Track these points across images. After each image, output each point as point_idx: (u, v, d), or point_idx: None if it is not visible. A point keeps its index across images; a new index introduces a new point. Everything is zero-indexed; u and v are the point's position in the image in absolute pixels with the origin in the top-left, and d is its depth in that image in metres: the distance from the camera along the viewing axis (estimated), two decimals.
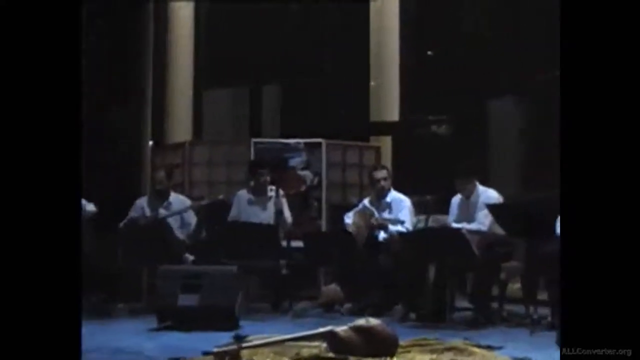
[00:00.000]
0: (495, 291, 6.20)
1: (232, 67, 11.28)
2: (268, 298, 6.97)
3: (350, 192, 8.73)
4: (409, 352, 4.28)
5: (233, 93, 11.78)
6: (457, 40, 10.41)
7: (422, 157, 9.97)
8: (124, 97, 7.82)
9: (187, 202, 7.30)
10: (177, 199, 7.27)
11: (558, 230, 5.63)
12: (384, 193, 6.83)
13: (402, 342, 4.32)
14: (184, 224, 7.13)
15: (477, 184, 6.42)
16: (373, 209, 6.82)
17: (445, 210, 6.80)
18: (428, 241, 6.06)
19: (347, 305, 6.71)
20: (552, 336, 4.57)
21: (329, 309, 6.72)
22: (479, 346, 4.51)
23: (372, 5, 9.94)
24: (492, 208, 6.01)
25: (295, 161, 8.57)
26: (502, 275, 6.14)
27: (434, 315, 5.93)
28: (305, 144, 8.63)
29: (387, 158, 9.27)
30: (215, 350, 4.18)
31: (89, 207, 6.66)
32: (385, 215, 6.76)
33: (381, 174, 6.93)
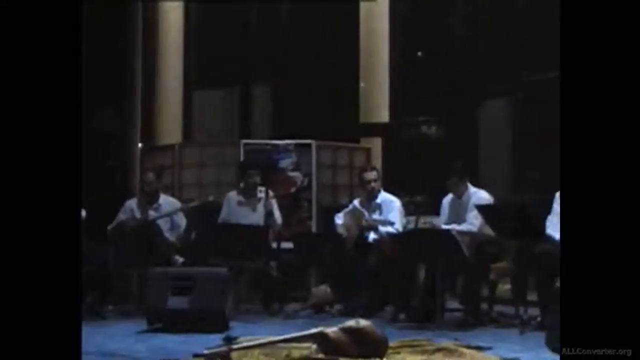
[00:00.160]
0: (485, 292, 6.21)
1: (221, 68, 11.26)
2: (258, 299, 6.97)
3: (340, 193, 8.74)
4: (398, 353, 4.29)
5: (223, 94, 11.76)
6: (446, 42, 10.43)
7: (412, 158, 9.98)
8: (114, 99, 7.81)
9: (177, 204, 7.29)
10: (167, 201, 7.26)
11: (547, 230, 5.67)
12: (374, 194, 6.84)
13: (392, 343, 4.32)
14: (173, 226, 7.12)
15: (469, 184, 6.43)
16: (363, 210, 6.82)
17: (435, 211, 6.81)
18: (418, 242, 6.06)
19: (337, 307, 6.72)
20: (541, 337, 4.58)
21: (319, 310, 6.73)
22: (469, 347, 4.52)
23: (362, 6, 9.95)
24: (481, 209, 6.02)
25: (286, 162, 8.57)
26: (492, 276, 6.16)
27: (424, 316, 5.93)
28: (296, 145, 8.63)
29: (377, 159, 9.28)
30: (206, 352, 4.18)
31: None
32: (376, 216, 6.77)
33: (371, 175, 6.94)
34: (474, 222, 6.18)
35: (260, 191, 7.09)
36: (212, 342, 4.60)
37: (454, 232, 5.92)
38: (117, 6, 7.87)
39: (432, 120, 10.30)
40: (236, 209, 7.18)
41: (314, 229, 8.41)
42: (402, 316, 6.16)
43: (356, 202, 7.01)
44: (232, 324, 5.67)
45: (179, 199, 7.72)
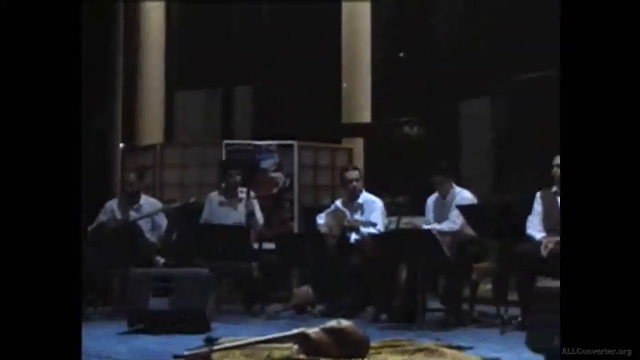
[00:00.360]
0: (466, 292, 6.24)
1: (203, 68, 11.25)
2: (240, 300, 6.95)
3: (322, 193, 8.75)
4: (380, 353, 4.29)
5: (205, 94, 11.74)
6: (428, 42, 10.46)
7: (394, 158, 10.00)
8: (95, 99, 7.76)
9: (158, 204, 7.27)
10: (148, 202, 7.23)
11: (528, 231, 5.70)
12: (355, 194, 6.84)
13: (373, 343, 4.33)
14: (154, 227, 7.09)
15: (454, 184, 6.46)
16: (345, 210, 6.83)
17: (417, 211, 6.83)
18: (399, 242, 6.07)
19: (319, 307, 6.72)
20: (522, 336, 4.59)
21: (301, 310, 6.72)
22: (450, 347, 4.54)
23: (343, 6, 9.96)
24: (462, 209, 6.04)
25: (267, 163, 8.57)
26: (474, 276, 6.18)
27: (406, 316, 5.95)
28: (278, 145, 8.63)
29: (359, 160, 9.29)
30: (186, 353, 4.17)
31: None
32: (357, 216, 6.77)
33: (353, 174, 6.95)
34: (456, 220, 6.19)
35: (242, 192, 7.08)
36: (193, 343, 4.59)
37: (435, 233, 5.94)
38: (98, 6, 7.82)
39: (414, 121, 10.34)
40: (218, 210, 7.16)
41: (295, 230, 8.41)
42: (383, 316, 6.17)
43: (338, 202, 7.01)
44: (213, 324, 5.66)
45: (161, 199, 7.70)
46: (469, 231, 6.09)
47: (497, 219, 5.72)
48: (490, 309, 6.10)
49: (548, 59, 8.99)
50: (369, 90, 9.93)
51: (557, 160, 5.69)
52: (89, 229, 6.92)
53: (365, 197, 6.86)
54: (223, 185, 7.24)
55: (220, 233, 6.73)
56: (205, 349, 4.13)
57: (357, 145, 9.68)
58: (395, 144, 10.30)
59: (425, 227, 6.35)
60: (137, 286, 5.78)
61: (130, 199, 7.14)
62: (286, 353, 4.15)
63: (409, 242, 5.97)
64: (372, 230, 6.55)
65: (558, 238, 5.44)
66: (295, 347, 4.12)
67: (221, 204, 7.18)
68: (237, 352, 4.19)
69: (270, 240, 7.11)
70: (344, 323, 4.14)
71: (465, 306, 6.17)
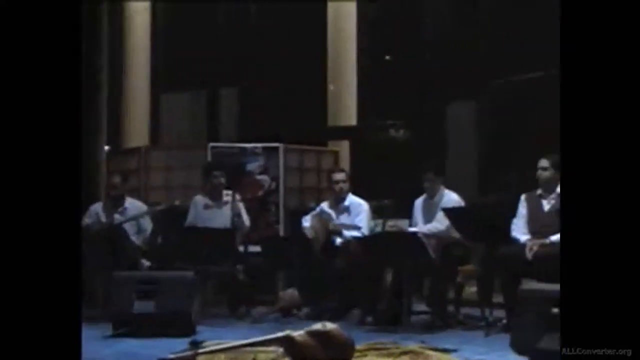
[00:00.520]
0: (451, 294, 6.25)
1: (189, 70, 11.22)
2: (225, 303, 6.93)
3: (308, 196, 8.74)
4: (365, 355, 4.31)
5: (190, 97, 11.71)
6: (414, 44, 10.47)
7: (380, 161, 10.01)
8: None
9: (143, 207, 7.24)
10: (133, 205, 7.20)
11: (513, 233, 5.72)
12: (342, 196, 6.84)
13: (358, 346, 4.33)
14: (139, 230, 7.06)
15: (442, 186, 6.47)
16: (331, 212, 6.83)
17: (403, 214, 6.84)
18: (385, 245, 6.08)
19: (305, 310, 6.71)
20: (507, 338, 4.61)
21: (287, 313, 6.71)
22: (435, 349, 4.56)
23: (329, 7, 9.96)
24: (447, 211, 6.06)
25: (253, 165, 8.55)
26: (459, 279, 6.19)
27: (391, 319, 5.95)
28: (263, 148, 8.62)
29: (345, 162, 9.28)
30: (171, 356, 4.16)
31: None
32: (344, 219, 6.78)
33: (340, 175, 6.95)
34: (442, 221, 6.20)
35: (227, 194, 7.06)
36: (178, 346, 4.57)
37: (420, 235, 5.96)
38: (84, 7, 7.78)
39: (400, 123, 10.34)
40: (203, 213, 7.14)
41: (281, 232, 8.40)
42: (369, 319, 6.17)
43: (324, 204, 7.01)
44: (198, 327, 5.65)
45: (146, 202, 7.67)
46: (455, 233, 6.11)
47: (482, 222, 5.74)
48: (475, 312, 6.11)
49: (533, 61, 9.05)
50: (355, 92, 9.94)
51: (543, 162, 5.72)
52: None
53: (351, 199, 6.87)
54: (208, 186, 7.21)
55: (205, 236, 6.71)
56: (190, 352, 4.11)
57: (343, 147, 9.69)
58: (381, 146, 10.30)
59: (411, 229, 6.36)
60: (122, 289, 5.76)
61: (115, 202, 7.11)
62: (271, 356, 4.15)
63: (395, 245, 5.98)
64: (357, 234, 6.56)
65: (543, 240, 5.48)
66: (281, 350, 4.11)
67: (206, 206, 7.16)
68: (222, 356, 4.19)
69: (256, 243, 7.10)
70: (329, 326, 4.13)
71: (450, 308, 6.19)
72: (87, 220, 7.01)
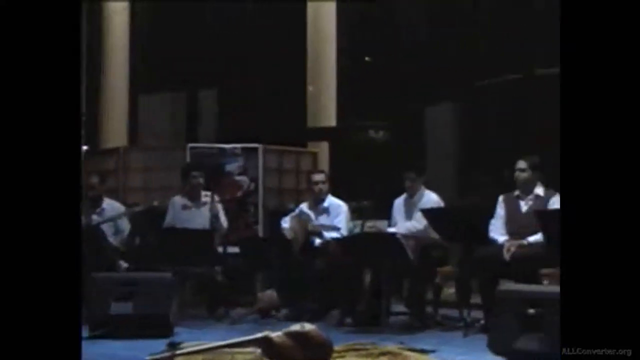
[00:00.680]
0: (430, 295, 6.27)
1: (168, 71, 11.17)
2: (204, 304, 6.91)
3: (287, 197, 8.74)
4: (344, 357, 4.31)
5: (169, 97, 11.66)
6: (394, 45, 10.50)
7: (360, 162, 10.02)
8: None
9: (121, 208, 7.20)
10: (111, 205, 7.16)
11: (491, 234, 5.75)
12: (321, 197, 6.85)
13: (337, 347, 4.34)
14: (117, 231, 7.03)
15: (423, 186, 6.49)
16: (310, 213, 6.83)
17: (381, 215, 6.85)
18: (364, 246, 6.08)
19: (284, 311, 6.71)
20: (485, 339, 4.63)
21: (266, 314, 6.70)
22: (413, 350, 4.56)
23: (309, 8, 9.95)
24: (426, 212, 6.07)
25: (232, 166, 8.53)
26: (437, 280, 6.21)
27: (370, 320, 5.96)
28: (242, 149, 8.60)
29: (324, 163, 9.29)
30: (149, 358, 4.14)
31: None
32: (323, 220, 6.78)
33: (319, 177, 6.96)
34: (421, 221, 6.22)
35: (206, 195, 7.04)
36: (156, 347, 4.55)
37: (399, 236, 5.97)
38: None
39: (379, 125, 10.36)
40: (181, 213, 7.11)
41: (260, 233, 8.39)
42: (348, 320, 6.18)
43: (303, 206, 7.01)
44: (177, 329, 5.62)
45: (124, 203, 7.62)
46: (434, 234, 6.12)
47: (460, 223, 5.76)
48: (454, 312, 6.13)
49: (513, 63, 9.11)
50: (335, 93, 9.94)
51: (520, 164, 5.76)
52: None
53: (330, 200, 6.87)
54: (186, 187, 7.18)
55: (184, 237, 6.69)
56: (168, 354, 4.10)
57: (323, 148, 9.69)
58: (360, 147, 10.31)
59: (390, 229, 6.38)
60: (99, 291, 5.72)
61: (92, 203, 7.07)
62: (249, 357, 4.14)
63: (373, 246, 5.99)
64: (336, 235, 6.56)
65: (520, 241, 5.51)
66: (259, 351, 4.10)
67: (185, 207, 7.13)
68: (200, 357, 4.18)
69: (234, 244, 7.08)
70: (308, 327, 4.13)
71: (429, 309, 6.20)
72: None
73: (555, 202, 5.60)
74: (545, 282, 5.29)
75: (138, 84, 11.12)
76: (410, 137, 10.08)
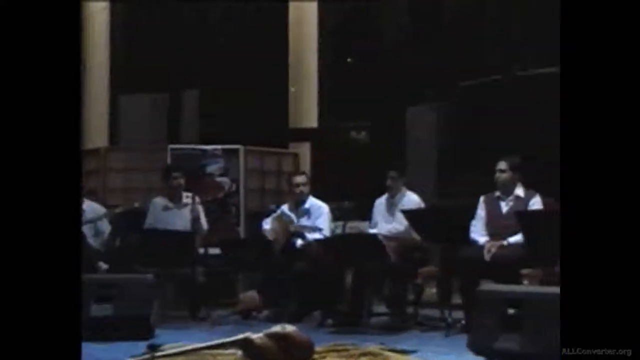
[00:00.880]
0: (411, 296, 6.28)
1: (149, 71, 11.13)
2: (185, 306, 6.88)
3: (268, 198, 8.73)
4: (324, 357, 4.31)
5: (150, 98, 11.62)
6: (375, 47, 10.52)
7: (341, 163, 10.03)
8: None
9: (101, 210, 7.17)
10: (91, 207, 7.12)
11: (471, 235, 5.77)
12: (302, 198, 6.85)
13: (318, 348, 4.34)
14: (97, 232, 7.01)
15: (404, 186, 6.51)
16: (292, 214, 6.83)
17: (362, 216, 6.86)
18: (345, 247, 6.10)
19: (266, 312, 6.70)
20: (465, 339, 4.65)
21: (247, 316, 6.69)
22: (394, 350, 4.57)
23: (291, 9, 9.95)
24: (406, 213, 6.09)
25: (213, 168, 8.51)
26: (419, 280, 6.22)
27: (351, 321, 5.97)
28: (223, 150, 8.58)
29: (305, 164, 9.29)
30: None
31: None
32: (304, 221, 6.77)
33: (300, 178, 6.96)
34: (402, 222, 6.23)
35: (187, 196, 7.01)
36: (137, 349, 4.53)
37: (380, 237, 5.98)
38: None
39: (361, 126, 10.38)
40: (162, 215, 7.08)
41: (241, 235, 8.38)
42: (329, 321, 6.18)
43: (284, 207, 7.00)
44: (158, 331, 5.59)
45: (105, 204, 7.59)
46: (415, 235, 6.14)
47: (440, 223, 5.78)
48: (435, 313, 6.15)
49: (494, 64, 9.15)
50: (316, 94, 9.95)
51: (501, 165, 5.79)
52: None
53: (311, 202, 6.87)
54: (167, 188, 7.15)
55: (164, 238, 6.66)
56: (148, 356, 4.08)
57: (304, 149, 9.69)
58: (342, 148, 10.33)
59: (371, 230, 6.38)
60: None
61: None
62: (230, 359, 4.13)
63: (355, 247, 6.00)
64: (317, 236, 6.56)
65: (501, 242, 5.54)
66: (240, 352, 4.10)
67: (165, 208, 7.10)
68: (181, 359, 4.16)
69: (216, 245, 7.06)
70: (289, 328, 4.13)
71: (410, 310, 6.22)
72: None
73: (535, 203, 5.64)
74: (525, 282, 5.32)
75: (119, 85, 11.07)
76: (391, 138, 10.10)
